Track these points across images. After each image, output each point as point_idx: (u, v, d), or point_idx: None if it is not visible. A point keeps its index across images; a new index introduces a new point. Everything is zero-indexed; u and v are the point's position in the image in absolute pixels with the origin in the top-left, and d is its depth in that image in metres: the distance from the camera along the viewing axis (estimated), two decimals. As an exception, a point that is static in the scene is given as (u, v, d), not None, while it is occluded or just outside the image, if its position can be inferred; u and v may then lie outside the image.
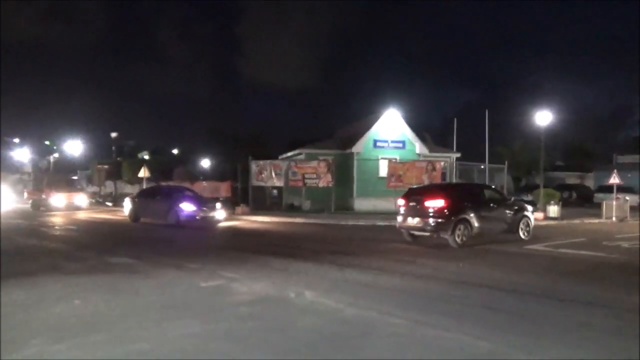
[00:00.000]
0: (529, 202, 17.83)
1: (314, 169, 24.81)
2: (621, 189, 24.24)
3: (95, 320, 5.23)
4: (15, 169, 51.76)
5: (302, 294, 6.50)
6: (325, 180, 24.25)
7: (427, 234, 12.55)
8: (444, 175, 25.69)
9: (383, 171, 25.64)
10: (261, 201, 27.63)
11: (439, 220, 12.07)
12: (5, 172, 46.50)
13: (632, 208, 23.03)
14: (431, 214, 12.18)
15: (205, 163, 45.71)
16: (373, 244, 13.05)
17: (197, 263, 9.09)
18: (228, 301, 6.20)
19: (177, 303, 6.14)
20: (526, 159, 38.69)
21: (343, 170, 25.93)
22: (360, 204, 25.63)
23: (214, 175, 42.11)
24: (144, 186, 29.18)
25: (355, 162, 26.32)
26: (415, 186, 15.98)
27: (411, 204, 12.88)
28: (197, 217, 17.70)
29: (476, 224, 12.46)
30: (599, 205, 23.73)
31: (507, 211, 13.55)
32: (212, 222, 18.12)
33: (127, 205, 20.66)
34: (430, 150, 28.13)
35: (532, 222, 14.16)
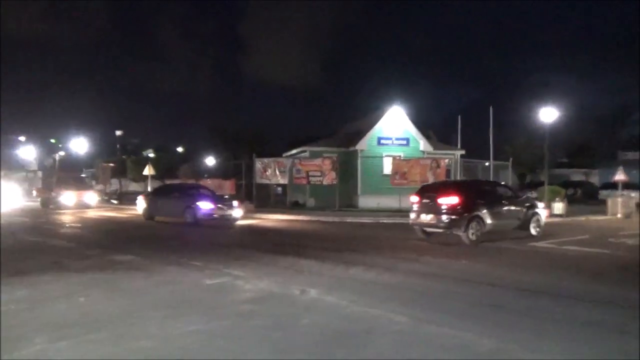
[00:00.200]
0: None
1: (318, 167, 24.83)
2: (626, 185, 24.13)
3: (98, 318, 5.23)
4: (21, 166, 52.00)
5: (306, 291, 6.52)
6: (330, 178, 24.26)
7: (441, 230, 12.63)
8: (448, 172, 25.65)
9: (387, 168, 25.64)
10: (265, 199, 27.68)
11: (453, 216, 12.15)
12: (10, 169, 46.74)
13: (637, 205, 22.92)
14: (444, 211, 12.25)
15: (210, 161, 45.75)
16: (378, 241, 13.04)
17: (203, 261, 9.09)
18: (232, 299, 6.21)
19: (181, 300, 6.15)
20: (530, 156, 38.57)
21: (347, 168, 25.93)
22: (365, 201, 25.63)
23: (218, 173, 42.16)
24: (149, 184, 29.28)
25: (359, 160, 26.31)
26: (428, 183, 16.05)
27: (424, 200, 12.97)
28: (215, 216, 17.38)
29: (489, 221, 12.56)
30: (604, 202, 23.66)
31: (519, 208, 13.64)
32: (229, 221, 17.75)
33: (141, 203, 20.42)
34: (435, 148, 28.09)
35: (543, 219, 14.25)
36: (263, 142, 42.56)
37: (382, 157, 26.44)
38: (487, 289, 7.03)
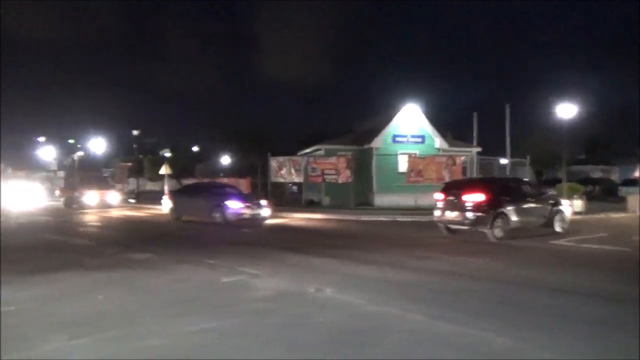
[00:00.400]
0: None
1: (333, 165, 24.82)
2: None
3: (114, 316, 5.29)
4: (41, 167, 52.86)
5: (321, 289, 6.52)
6: (345, 176, 24.24)
7: (466, 227, 12.65)
8: (464, 170, 25.45)
9: (402, 166, 25.51)
10: (280, 197, 27.77)
11: (478, 213, 12.16)
12: (30, 170, 47.59)
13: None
14: (470, 208, 12.25)
15: (225, 160, 46.05)
16: (397, 239, 13.07)
17: (220, 259, 9.14)
18: (247, 297, 6.23)
19: (196, 298, 6.18)
20: (548, 153, 38.03)
21: (362, 166, 25.88)
22: (380, 199, 25.54)
23: (232, 171, 42.41)
24: (166, 183, 29.54)
25: (374, 158, 26.23)
26: (453, 180, 16.08)
27: (450, 197, 12.99)
28: (245, 215, 16.88)
29: (514, 218, 12.54)
30: (623, 199, 23.25)
31: (544, 205, 13.59)
32: (259, 220, 17.25)
33: (167, 202, 20.20)
34: (450, 145, 27.87)
35: (568, 216, 14.17)
36: (276, 140, 42.73)
37: (397, 154, 26.32)
38: (505, 287, 6.96)
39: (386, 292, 6.61)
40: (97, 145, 45.87)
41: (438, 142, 27.25)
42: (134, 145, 40.00)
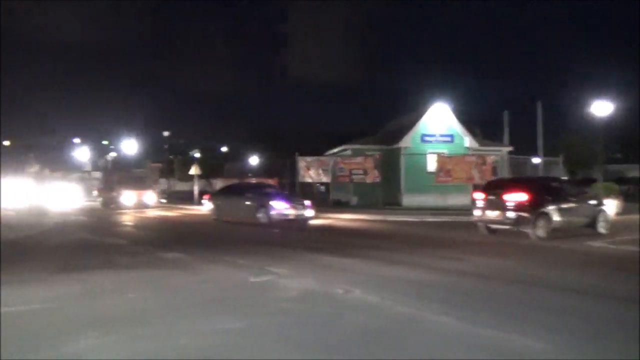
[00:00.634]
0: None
1: (360, 165, 24.77)
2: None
3: (143, 314, 5.37)
4: (77, 167, 54.35)
5: (350, 290, 6.50)
6: (372, 176, 24.16)
7: (507, 227, 12.50)
8: (495, 169, 25.03)
9: (431, 166, 25.26)
10: (308, 197, 27.80)
11: (520, 213, 11.98)
12: (67, 170, 48.95)
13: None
14: (512, 207, 12.09)
15: (253, 160, 46.45)
16: (427, 240, 12.95)
17: (250, 259, 9.17)
18: (275, 297, 6.23)
19: (223, 298, 6.22)
20: (582, 152, 37.02)
21: (390, 166, 25.73)
22: (409, 199, 25.35)
23: (260, 172, 42.75)
24: (195, 183, 29.97)
25: (402, 157, 26.06)
26: (494, 179, 15.97)
27: (490, 197, 12.86)
28: (290, 216, 16.47)
29: (556, 218, 12.32)
30: (663, 200, 22.46)
31: (586, 205, 13.32)
32: (303, 221, 16.81)
33: (208, 203, 20.24)
34: (480, 144, 27.47)
35: (610, 216, 13.86)
36: (305, 140, 42.82)
37: (425, 154, 26.08)
38: (535, 290, 6.80)
39: (414, 293, 6.53)
40: (129, 146, 46.90)
41: (467, 141, 26.88)
42: (165, 146, 40.72)
